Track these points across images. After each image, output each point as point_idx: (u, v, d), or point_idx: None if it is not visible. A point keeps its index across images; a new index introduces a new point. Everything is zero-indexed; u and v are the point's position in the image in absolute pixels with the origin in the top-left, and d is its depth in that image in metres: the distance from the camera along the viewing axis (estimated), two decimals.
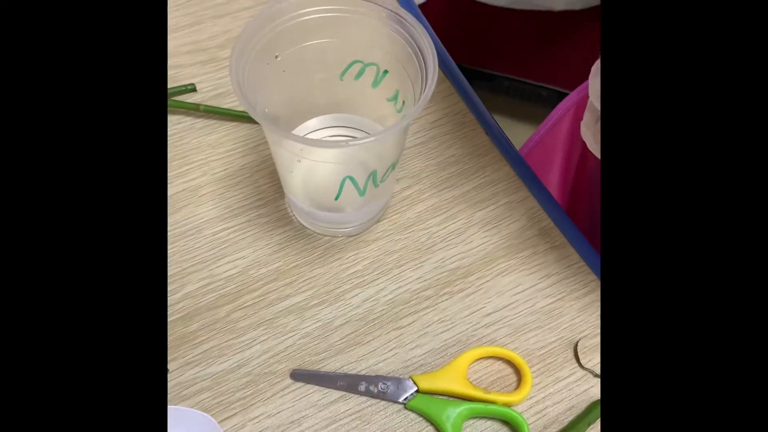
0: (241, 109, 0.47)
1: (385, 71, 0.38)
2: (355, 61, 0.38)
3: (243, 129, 0.47)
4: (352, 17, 0.36)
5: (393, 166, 0.38)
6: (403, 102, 0.38)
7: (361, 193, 0.38)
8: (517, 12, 0.96)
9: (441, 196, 0.45)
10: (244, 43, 0.33)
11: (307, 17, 0.35)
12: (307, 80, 0.39)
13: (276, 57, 0.35)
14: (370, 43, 0.37)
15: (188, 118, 0.47)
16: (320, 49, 0.37)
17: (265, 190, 0.44)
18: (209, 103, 0.47)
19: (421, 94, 0.33)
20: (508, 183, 0.46)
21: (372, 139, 0.31)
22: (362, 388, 0.37)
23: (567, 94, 1.41)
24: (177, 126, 0.47)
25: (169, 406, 0.35)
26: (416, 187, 0.45)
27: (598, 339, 0.39)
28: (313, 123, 0.42)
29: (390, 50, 0.36)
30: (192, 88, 0.48)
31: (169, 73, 0.49)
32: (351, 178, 0.36)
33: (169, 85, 0.48)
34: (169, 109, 0.47)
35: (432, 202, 0.45)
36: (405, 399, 0.37)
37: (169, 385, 0.37)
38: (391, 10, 0.35)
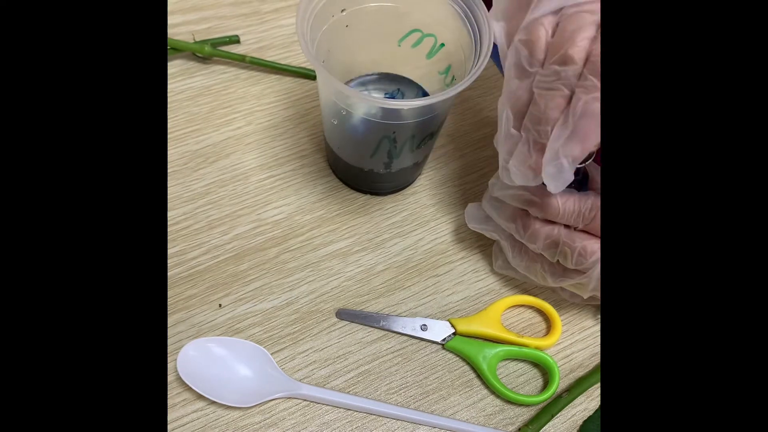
0: (285, 62, 0.49)
1: (442, 44, 0.39)
2: (414, 30, 0.40)
3: (286, 82, 0.48)
4: None
5: (432, 135, 0.40)
6: (453, 77, 0.40)
7: (396, 155, 0.39)
8: None
9: (475, 155, 0.47)
10: None
11: None
12: (367, 39, 0.40)
13: (342, 11, 0.37)
14: (432, 14, 0.38)
15: (233, 69, 0.49)
16: (384, 11, 0.38)
17: (306, 143, 0.46)
18: (252, 55, 0.49)
19: (472, 68, 0.35)
20: None
21: (419, 102, 0.33)
22: (403, 328, 0.39)
23: None
24: (222, 75, 0.48)
25: (226, 338, 0.38)
26: (452, 145, 0.47)
27: None
28: (363, 80, 0.44)
29: (450, 24, 0.38)
30: (236, 40, 0.49)
31: (211, 24, 0.51)
32: (388, 139, 0.38)
33: (212, 35, 0.50)
34: (214, 58, 0.48)
35: (466, 160, 0.47)
36: (443, 340, 0.39)
37: (223, 318, 0.39)
38: None
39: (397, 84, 0.44)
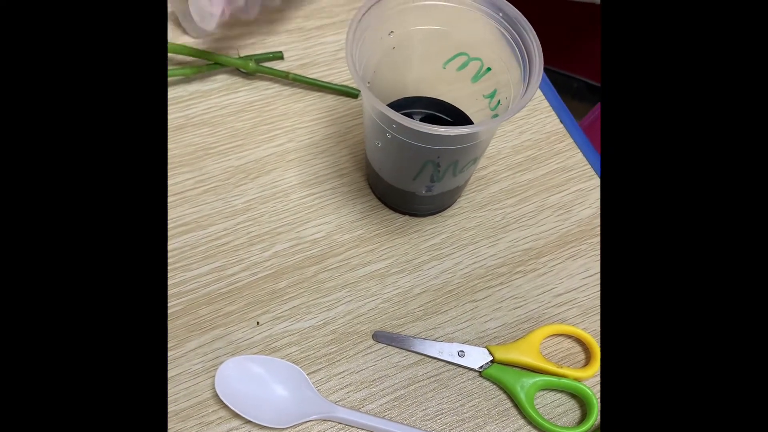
0: (327, 80, 0.49)
1: (488, 68, 0.39)
2: (461, 53, 0.39)
3: (328, 100, 0.49)
4: (466, 10, 0.37)
5: (475, 160, 0.39)
6: (498, 101, 0.39)
7: (438, 178, 0.39)
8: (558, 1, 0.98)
9: (515, 179, 0.47)
10: (362, 15, 0.35)
11: (425, 2, 0.37)
12: (413, 61, 0.40)
13: (390, 33, 0.37)
14: (479, 38, 0.38)
15: (276, 85, 0.49)
16: (431, 34, 0.38)
17: (347, 161, 0.46)
18: (295, 72, 0.49)
19: (522, 94, 0.34)
20: (580, 171, 0.47)
21: (466, 129, 0.32)
22: (440, 353, 0.39)
23: (597, 87, 1.42)
24: (265, 92, 0.48)
25: (264, 356, 0.38)
26: (492, 168, 0.47)
27: None
28: (406, 102, 0.44)
29: (497, 48, 0.37)
30: (280, 56, 0.50)
31: (256, 39, 0.51)
32: (432, 163, 0.38)
33: (256, 51, 0.50)
34: (257, 74, 0.49)
35: (507, 183, 0.46)
36: (481, 367, 0.39)
37: (260, 337, 0.39)
38: (503, 11, 0.36)
39: (438, 108, 0.44)
